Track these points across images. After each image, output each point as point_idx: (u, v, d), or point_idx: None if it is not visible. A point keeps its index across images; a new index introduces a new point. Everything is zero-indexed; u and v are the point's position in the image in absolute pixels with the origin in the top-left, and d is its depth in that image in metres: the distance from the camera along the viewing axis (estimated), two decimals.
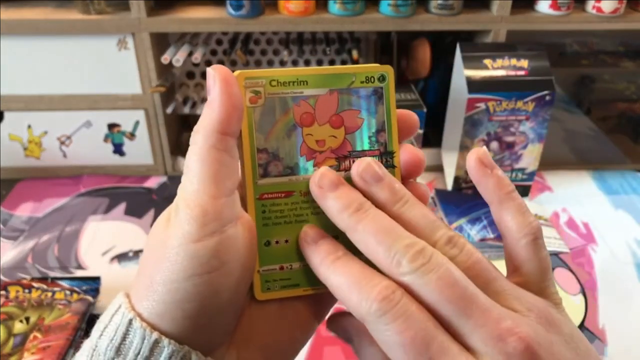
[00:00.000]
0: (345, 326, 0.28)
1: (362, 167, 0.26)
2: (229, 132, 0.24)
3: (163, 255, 0.23)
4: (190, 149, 0.24)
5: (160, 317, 0.23)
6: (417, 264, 0.22)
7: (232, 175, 0.24)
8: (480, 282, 0.23)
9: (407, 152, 0.28)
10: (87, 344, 0.24)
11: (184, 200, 0.23)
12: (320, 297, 0.28)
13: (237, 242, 0.24)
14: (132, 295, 0.24)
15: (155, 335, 0.23)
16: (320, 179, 0.26)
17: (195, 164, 0.24)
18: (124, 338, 0.23)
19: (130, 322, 0.23)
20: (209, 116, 0.24)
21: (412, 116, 0.29)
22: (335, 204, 0.25)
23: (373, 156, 0.27)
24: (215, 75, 0.24)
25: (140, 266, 0.25)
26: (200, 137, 0.24)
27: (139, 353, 0.23)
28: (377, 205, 0.25)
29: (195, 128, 0.24)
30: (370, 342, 0.25)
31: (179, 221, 0.23)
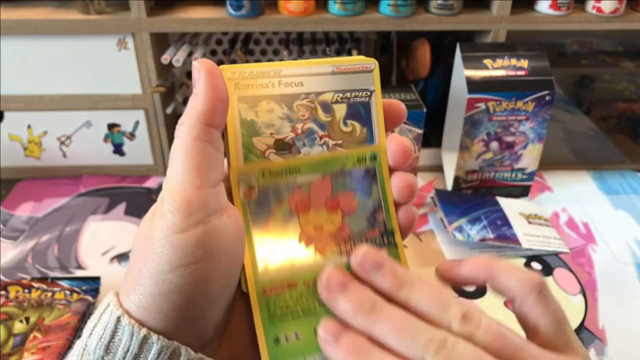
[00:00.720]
0: None
1: (360, 257, 0.25)
2: (214, 124, 0.24)
3: (149, 248, 0.23)
4: (175, 141, 0.24)
5: (148, 310, 0.23)
6: (440, 358, 0.22)
7: (216, 166, 0.24)
8: (506, 354, 0.22)
9: (394, 142, 0.28)
10: (78, 344, 0.24)
11: (169, 192, 0.24)
12: None
13: (223, 233, 0.24)
14: (121, 291, 0.24)
15: (143, 331, 0.23)
16: (327, 281, 0.25)
17: (179, 155, 0.24)
18: (112, 336, 0.23)
19: (118, 319, 0.23)
20: (194, 108, 0.24)
21: (400, 106, 0.29)
22: (347, 306, 0.24)
23: (373, 236, 0.28)
24: (200, 68, 0.24)
25: (129, 262, 0.25)
26: (184, 129, 0.24)
27: (128, 350, 0.23)
28: (382, 293, 0.25)
29: (180, 120, 0.25)
30: None
31: (164, 213, 0.23)
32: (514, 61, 0.69)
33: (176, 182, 0.24)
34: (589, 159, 0.84)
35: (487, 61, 0.69)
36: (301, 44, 0.76)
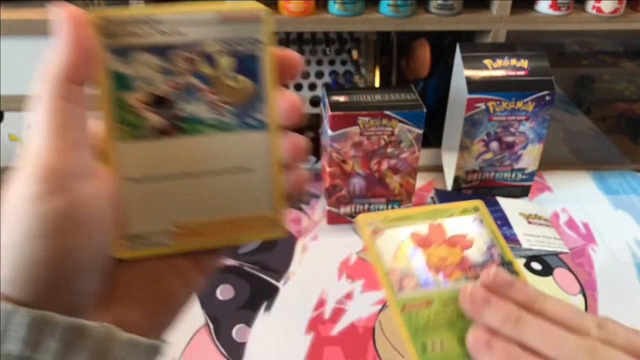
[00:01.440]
0: None
1: (492, 275, 0.28)
2: (77, 80, 0.22)
3: (8, 217, 0.22)
4: (34, 98, 0.22)
5: (13, 284, 0.21)
6: None
7: (81, 127, 0.22)
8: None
9: (283, 100, 0.26)
10: None
11: (27, 157, 0.22)
12: (205, 250, 0.27)
13: (92, 198, 0.22)
14: None
15: (9, 306, 0.21)
16: (472, 295, 0.27)
17: (38, 116, 0.22)
18: None
19: None
20: (55, 62, 0.22)
21: (293, 55, 0.26)
22: (494, 317, 0.26)
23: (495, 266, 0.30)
24: (61, 14, 0.22)
25: (1, 219, 0.23)
26: (42, 86, 0.22)
27: None
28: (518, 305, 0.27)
29: (40, 75, 0.22)
30: None
31: (22, 179, 0.22)
32: (513, 61, 0.69)
33: (34, 146, 0.22)
34: (588, 159, 0.84)
35: (487, 61, 0.69)
36: (301, 44, 0.76)
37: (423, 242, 0.30)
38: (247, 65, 0.25)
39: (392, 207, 0.68)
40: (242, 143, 0.26)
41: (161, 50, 0.24)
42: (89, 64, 0.22)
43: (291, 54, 0.26)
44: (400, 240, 0.30)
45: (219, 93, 0.25)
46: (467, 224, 0.31)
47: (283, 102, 0.26)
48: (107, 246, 0.24)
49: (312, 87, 0.82)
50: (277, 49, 0.26)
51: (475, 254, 0.31)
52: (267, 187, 0.27)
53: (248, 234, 0.27)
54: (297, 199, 0.28)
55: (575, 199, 0.75)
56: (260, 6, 0.26)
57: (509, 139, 0.71)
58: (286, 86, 0.27)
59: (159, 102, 0.25)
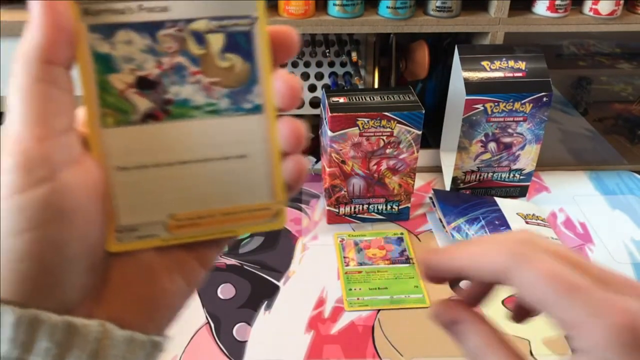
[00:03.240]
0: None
1: (424, 260, 0.28)
2: (56, 60, 0.21)
3: None
4: (10, 82, 0.21)
5: None
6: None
7: (63, 111, 0.21)
8: None
9: (281, 81, 0.24)
10: None
11: (5, 145, 0.20)
12: (203, 242, 0.25)
13: (77, 188, 0.21)
14: None
15: None
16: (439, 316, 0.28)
17: (16, 101, 0.20)
18: None
19: None
20: (30, 42, 0.21)
21: (289, 32, 0.24)
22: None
23: None
24: None
25: None
26: (19, 68, 0.21)
27: None
28: None
29: (15, 56, 0.21)
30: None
31: (1, 170, 0.20)
32: (511, 63, 0.70)
33: (14, 133, 0.20)
34: (586, 160, 0.85)
35: (485, 63, 0.69)
36: (300, 46, 0.76)
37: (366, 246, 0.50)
38: (240, 43, 0.23)
39: (391, 207, 0.69)
40: (237, 128, 0.24)
41: (146, 28, 0.22)
42: (67, 43, 0.21)
43: (287, 29, 0.24)
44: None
45: (209, 74, 0.23)
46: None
47: (280, 83, 0.24)
48: (95, 238, 0.23)
49: (312, 88, 0.83)
50: (271, 25, 0.24)
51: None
52: (265, 175, 0.25)
53: (246, 225, 0.26)
54: (297, 189, 0.26)
55: (572, 199, 0.76)
56: None
57: (507, 139, 0.71)
58: (283, 66, 0.25)
59: (146, 84, 0.23)
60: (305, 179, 0.26)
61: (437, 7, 0.71)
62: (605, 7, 0.72)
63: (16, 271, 0.20)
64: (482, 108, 0.68)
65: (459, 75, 0.69)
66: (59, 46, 0.21)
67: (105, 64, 0.22)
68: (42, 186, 0.20)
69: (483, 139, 0.71)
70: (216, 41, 0.23)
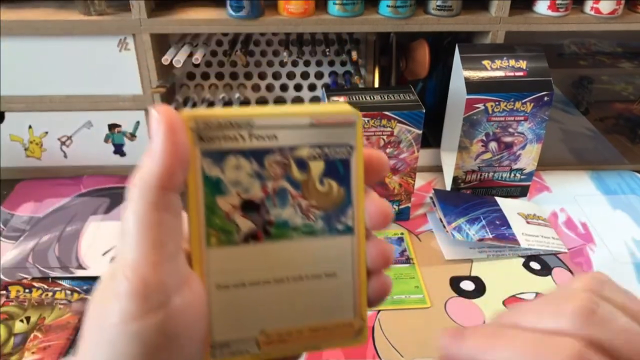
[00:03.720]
0: None
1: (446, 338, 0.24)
2: (171, 187, 0.21)
3: (102, 337, 0.20)
4: (126, 205, 0.21)
5: None
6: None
7: (175, 236, 0.22)
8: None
9: (373, 204, 0.25)
10: None
11: (122, 270, 0.20)
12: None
13: (187, 311, 0.21)
14: None
15: None
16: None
17: (132, 227, 0.21)
18: None
19: None
20: (149, 168, 0.21)
21: (381, 157, 0.26)
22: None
23: None
24: (158, 118, 0.21)
25: (82, 339, 0.22)
26: (137, 193, 0.21)
27: None
28: None
29: (133, 180, 0.21)
30: None
31: (118, 294, 0.20)
32: (512, 62, 0.69)
33: (130, 259, 0.21)
34: (587, 159, 0.84)
35: (485, 62, 0.69)
36: (301, 45, 0.76)
37: None
38: (337, 169, 0.25)
39: (392, 207, 0.69)
40: (329, 248, 0.25)
41: (255, 155, 0.24)
42: (184, 170, 0.22)
43: (378, 154, 0.26)
44: None
45: (309, 198, 0.25)
46: None
47: (372, 207, 0.25)
48: (200, 357, 0.23)
49: (312, 87, 0.83)
50: (365, 149, 0.25)
51: None
52: (352, 293, 0.26)
53: (330, 341, 0.26)
54: (377, 305, 0.28)
55: (573, 199, 0.76)
56: (353, 110, 0.25)
57: (508, 139, 0.71)
58: (372, 187, 0.27)
59: (250, 207, 0.24)
60: (387, 296, 0.27)
61: (437, 6, 0.71)
62: (606, 6, 0.72)
63: None
64: (483, 107, 0.68)
65: (459, 74, 0.69)
66: (175, 173, 0.21)
67: (214, 187, 0.23)
68: (157, 313, 0.20)
69: (484, 138, 0.71)
70: (317, 167, 0.25)
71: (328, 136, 0.25)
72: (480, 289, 0.60)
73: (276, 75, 0.82)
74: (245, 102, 0.83)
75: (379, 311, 0.57)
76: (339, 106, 0.25)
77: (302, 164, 0.24)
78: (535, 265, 0.63)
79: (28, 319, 0.53)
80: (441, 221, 0.68)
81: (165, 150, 0.21)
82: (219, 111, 0.23)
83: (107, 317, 0.20)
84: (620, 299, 0.22)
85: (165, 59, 0.69)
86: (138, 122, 0.76)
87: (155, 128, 0.21)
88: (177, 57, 0.68)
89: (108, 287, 0.21)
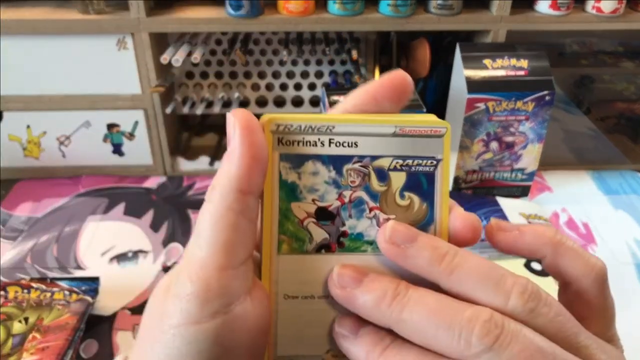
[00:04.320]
0: None
1: (389, 231, 0.22)
2: (250, 190, 0.21)
3: (159, 336, 0.20)
4: (204, 206, 0.21)
5: None
6: (490, 338, 0.18)
7: (247, 242, 0.21)
8: (564, 337, 0.20)
9: (460, 219, 0.23)
10: None
11: (187, 270, 0.20)
12: None
13: (246, 322, 0.21)
14: None
15: None
16: (339, 278, 0.22)
17: (207, 227, 0.20)
18: None
19: None
20: (227, 172, 0.21)
21: (403, 76, 0.24)
22: (367, 299, 0.21)
23: None
24: (235, 121, 0.21)
25: (139, 333, 0.22)
26: (217, 195, 0.21)
27: None
28: (419, 272, 0.21)
29: (213, 183, 0.21)
30: None
31: (179, 294, 0.20)
32: (513, 61, 0.69)
33: (198, 259, 0.20)
34: (588, 159, 0.84)
35: (486, 61, 0.69)
36: (300, 44, 0.76)
37: None
38: (420, 183, 0.23)
39: None
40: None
41: (334, 161, 0.23)
42: (263, 172, 0.21)
43: (400, 73, 0.24)
44: None
45: (387, 211, 0.23)
46: None
47: (458, 222, 0.23)
48: None
49: (312, 87, 0.82)
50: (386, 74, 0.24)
51: None
52: None
53: None
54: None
55: (575, 199, 0.75)
56: (442, 121, 0.24)
57: (509, 139, 0.71)
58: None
59: (325, 216, 0.23)
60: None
61: (438, 4, 0.70)
62: (607, 5, 0.72)
63: None
64: (484, 107, 0.68)
65: (460, 73, 0.69)
66: (254, 177, 0.21)
67: (290, 193, 0.23)
68: (216, 319, 0.20)
69: (485, 138, 0.70)
70: (398, 179, 0.23)
71: (413, 147, 0.23)
72: None
73: (276, 75, 0.82)
74: (244, 102, 0.82)
75: None
76: (426, 116, 0.24)
77: (383, 175, 0.23)
78: (536, 265, 0.63)
79: (26, 319, 0.52)
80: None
81: (242, 152, 0.21)
82: (299, 115, 0.23)
83: (166, 316, 0.20)
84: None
85: (164, 58, 0.69)
86: (137, 122, 0.75)
87: (232, 131, 0.21)
88: (176, 57, 0.68)
89: (171, 287, 0.21)
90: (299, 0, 0.68)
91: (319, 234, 0.23)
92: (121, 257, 0.64)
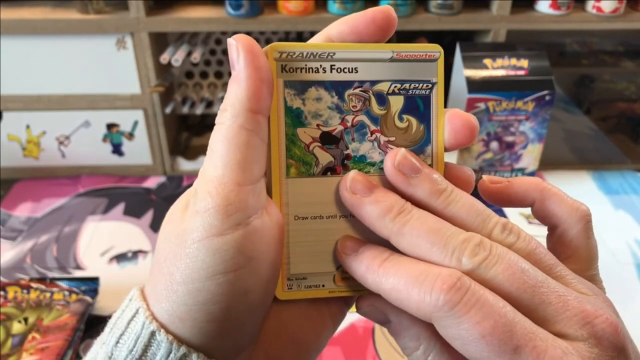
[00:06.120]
0: (380, 306, 0.24)
1: (399, 157, 0.23)
2: (260, 110, 0.22)
3: (182, 251, 0.21)
4: (215, 129, 0.22)
5: (182, 321, 0.21)
6: (479, 257, 0.20)
7: (260, 160, 0.22)
8: (541, 267, 0.21)
9: (458, 118, 0.24)
10: (101, 349, 0.22)
11: (205, 187, 0.21)
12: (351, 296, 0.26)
13: (265, 234, 0.22)
14: (148, 293, 0.22)
15: (183, 349, 0.21)
16: (352, 184, 0.23)
17: (221, 146, 0.21)
18: (145, 350, 0.21)
19: (152, 334, 0.21)
20: (236, 92, 0.21)
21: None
22: (374, 209, 0.22)
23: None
24: (237, 45, 0.21)
25: (156, 259, 0.22)
26: (228, 116, 0.21)
27: None
28: (417, 201, 0.23)
29: (222, 106, 0.22)
30: (411, 322, 0.22)
31: (199, 210, 0.21)
32: (514, 61, 0.69)
33: (215, 176, 0.21)
34: (589, 159, 0.84)
35: (487, 61, 0.69)
36: None
37: None
38: (417, 106, 0.25)
39: None
40: None
41: (336, 87, 0.24)
42: (270, 92, 0.22)
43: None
44: None
45: (387, 133, 0.24)
46: None
47: (457, 120, 0.24)
48: (274, 286, 0.23)
49: None
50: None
51: None
52: None
53: None
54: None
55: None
56: (435, 47, 0.25)
57: (509, 138, 0.71)
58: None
59: (329, 140, 0.24)
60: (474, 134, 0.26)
61: (438, 4, 0.70)
62: (608, 5, 0.72)
63: (206, 313, 0.21)
64: (484, 106, 0.68)
65: (460, 73, 0.69)
66: (263, 96, 0.22)
67: (295, 118, 0.24)
68: (237, 231, 0.21)
69: (485, 137, 0.70)
70: (396, 103, 0.24)
71: (409, 72, 0.24)
72: None
73: None
74: None
75: None
76: (420, 43, 0.25)
77: (382, 99, 0.24)
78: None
79: (26, 319, 0.52)
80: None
81: (249, 74, 0.21)
82: (301, 43, 0.24)
83: (188, 231, 0.21)
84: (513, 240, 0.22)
85: (164, 58, 0.68)
86: (136, 122, 0.75)
87: (235, 55, 0.21)
88: (176, 56, 0.68)
89: (189, 206, 0.21)
90: (299, 0, 0.68)
91: (325, 158, 0.24)
92: (121, 257, 0.63)
